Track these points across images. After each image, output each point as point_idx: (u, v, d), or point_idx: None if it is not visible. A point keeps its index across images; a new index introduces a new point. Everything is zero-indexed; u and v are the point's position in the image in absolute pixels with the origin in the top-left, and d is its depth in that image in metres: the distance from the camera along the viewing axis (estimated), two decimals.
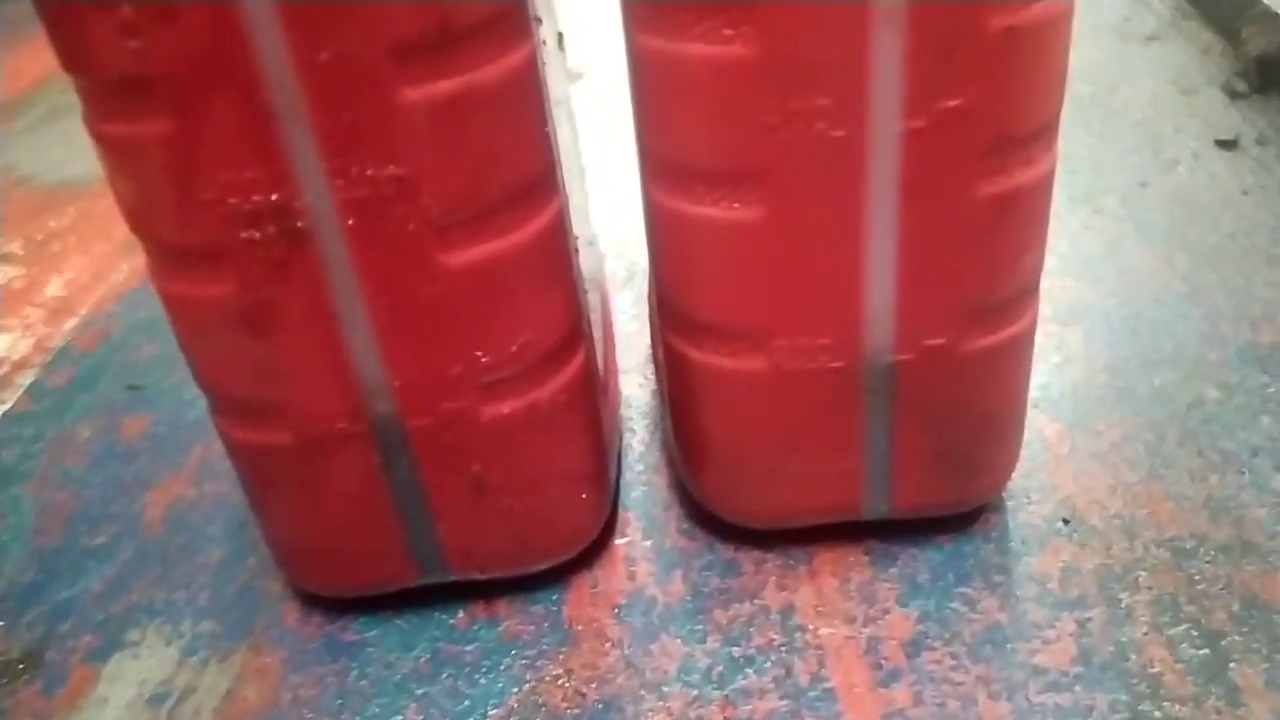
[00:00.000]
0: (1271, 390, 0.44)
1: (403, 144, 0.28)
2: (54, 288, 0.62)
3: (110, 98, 0.28)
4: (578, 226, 0.38)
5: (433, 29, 0.26)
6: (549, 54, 0.33)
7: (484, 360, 0.32)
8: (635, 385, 0.48)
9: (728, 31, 0.28)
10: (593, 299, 0.42)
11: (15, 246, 0.67)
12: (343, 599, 0.38)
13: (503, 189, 0.30)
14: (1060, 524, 0.39)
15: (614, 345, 0.45)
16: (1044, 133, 0.31)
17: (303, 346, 0.31)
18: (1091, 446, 0.42)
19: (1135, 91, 0.69)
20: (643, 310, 0.53)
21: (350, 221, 0.29)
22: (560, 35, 0.42)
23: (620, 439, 0.44)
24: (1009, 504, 0.40)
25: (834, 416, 0.35)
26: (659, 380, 0.43)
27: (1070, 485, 0.40)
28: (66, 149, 0.80)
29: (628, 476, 0.43)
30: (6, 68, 0.99)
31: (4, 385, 0.54)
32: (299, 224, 0.29)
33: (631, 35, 0.30)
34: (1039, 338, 0.36)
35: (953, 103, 0.29)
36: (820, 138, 0.29)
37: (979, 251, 0.32)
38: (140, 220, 0.30)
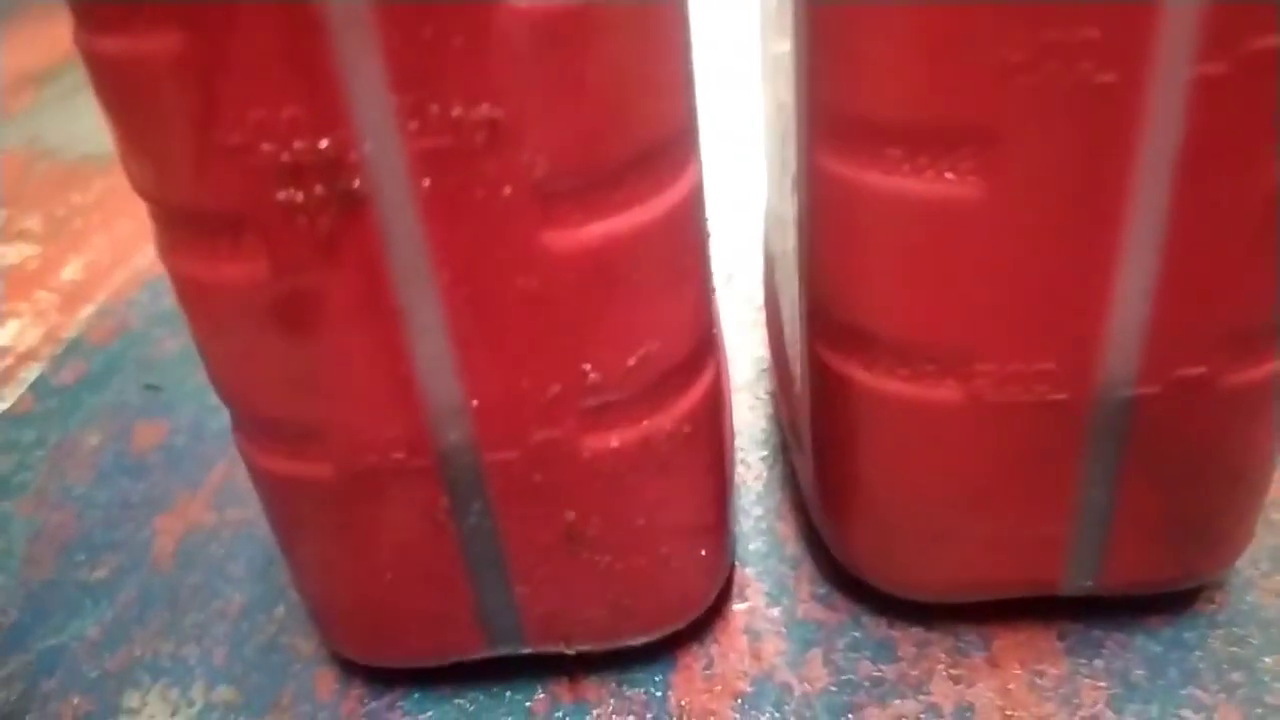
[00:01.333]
0: None
1: (503, 75, 0.20)
2: (71, 270, 0.55)
3: (105, 2, 0.20)
4: None
5: None
6: None
7: (592, 377, 0.24)
8: (746, 408, 0.40)
9: None
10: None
11: (34, 223, 0.61)
12: (391, 669, 0.30)
13: (631, 146, 0.22)
14: None
15: (725, 360, 0.37)
16: None
17: (352, 352, 0.23)
18: None
19: None
20: (747, 316, 0.44)
21: (425, 182, 0.21)
22: None
23: (734, 477, 0.36)
24: (1234, 580, 0.31)
25: (1042, 465, 0.26)
26: (784, 403, 0.35)
27: None
28: (88, 124, 0.74)
29: (743, 524, 0.35)
30: (43, 36, 0.93)
31: (6, 380, 0.46)
32: (354, 184, 0.21)
33: None
34: None
35: (1265, 42, 0.20)
36: (1079, 84, 0.21)
37: (1265, 252, 0.23)
38: (144, 174, 0.22)
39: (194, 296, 0.24)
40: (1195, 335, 0.24)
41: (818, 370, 0.28)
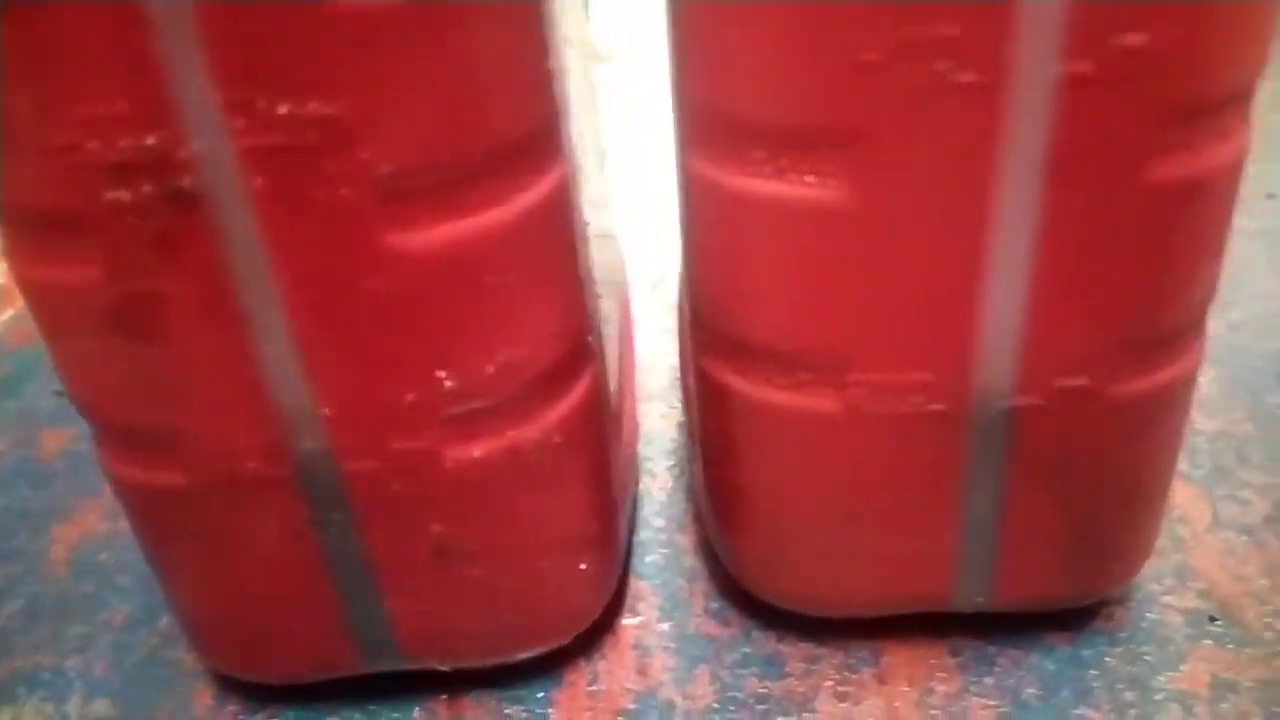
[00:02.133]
0: None
1: (335, 68, 0.19)
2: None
3: None
4: (590, 215, 0.29)
5: None
6: None
7: (448, 384, 0.23)
8: (658, 416, 0.39)
9: None
10: (607, 306, 0.33)
11: None
12: (267, 685, 0.29)
13: (479, 145, 0.21)
14: (1207, 622, 0.30)
15: (633, 366, 0.36)
16: (1244, 95, 0.22)
17: (197, 357, 0.22)
18: (1239, 519, 0.33)
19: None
20: (669, 323, 0.44)
21: (257, 182, 0.20)
22: None
23: (636, 486, 0.35)
24: (1136, 595, 0.31)
25: (924, 478, 0.25)
26: (688, 411, 0.34)
27: (1214, 568, 0.31)
28: None
29: (643, 535, 0.34)
30: None
31: None
32: (185, 182, 0.20)
33: None
34: None
35: (1134, 39, 0.20)
36: (938, 85, 0.20)
37: (1146, 258, 0.22)
38: None
39: (37, 300, 0.23)
40: (1075, 345, 0.23)
41: (701, 379, 0.27)
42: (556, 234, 0.24)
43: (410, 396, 0.23)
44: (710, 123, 0.22)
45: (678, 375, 0.40)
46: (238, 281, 0.21)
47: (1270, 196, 0.49)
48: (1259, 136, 0.53)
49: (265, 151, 0.20)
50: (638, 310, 0.44)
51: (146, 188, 0.20)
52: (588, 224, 0.27)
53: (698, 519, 0.34)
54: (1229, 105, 0.21)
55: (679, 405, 0.39)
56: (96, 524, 0.37)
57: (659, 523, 0.34)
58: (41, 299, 0.23)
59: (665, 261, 0.47)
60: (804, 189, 0.22)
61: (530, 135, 0.22)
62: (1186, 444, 0.35)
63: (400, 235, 0.21)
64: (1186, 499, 0.34)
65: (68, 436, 0.41)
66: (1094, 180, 0.21)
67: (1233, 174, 0.23)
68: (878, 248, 0.22)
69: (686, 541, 0.33)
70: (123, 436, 0.24)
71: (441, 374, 0.23)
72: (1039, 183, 0.21)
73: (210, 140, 0.20)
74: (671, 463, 0.37)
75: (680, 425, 0.38)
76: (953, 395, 0.24)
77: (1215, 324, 0.40)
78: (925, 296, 0.23)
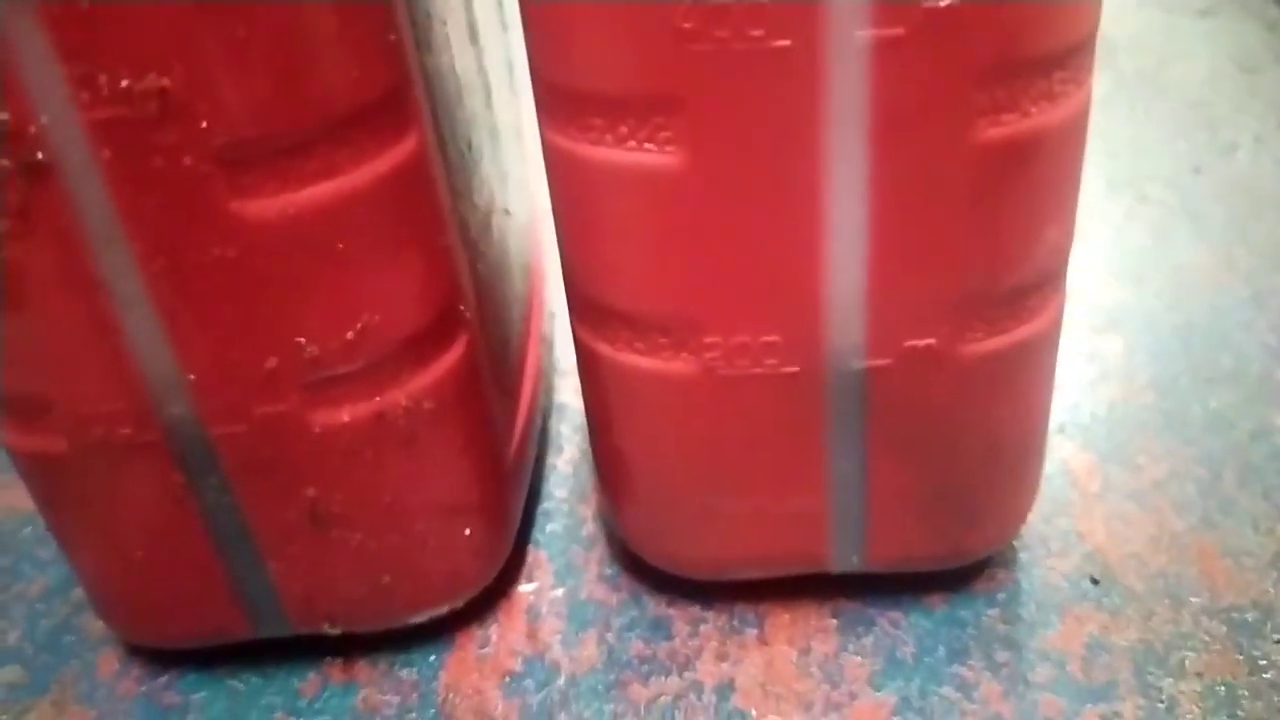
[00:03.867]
0: None
1: (167, 41, 0.20)
2: None
3: None
4: (488, 192, 0.30)
5: None
6: None
7: (309, 350, 0.24)
8: (573, 391, 0.40)
9: None
10: (516, 285, 0.34)
11: None
12: (170, 650, 0.30)
13: (322, 112, 0.22)
14: (1088, 584, 0.30)
15: (540, 342, 0.37)
16: (1071, 58, 0.23)
17: (62, 324, 0.23)
18: (1129, 484, 0.33)
19: (1188, 69, 0.59)
20: None
21: (105, 153, 0.21)
22: None
23: (542, 457, 0.36)
24: (1022, 556, 0.31)
25: (787, 439, 0.26)
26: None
27: (1101, 534, 0.32)
28: None
29: (546, 504, 0.34)
30: None
31: None
32: (38, 155, 0.21)
33: None
34: (1068, 346, 0.27)
35: (941, 1, 0.20)
36: (755, 50, 0.21)
37: (982, 218, 0.23)
38: None
39: None
40: (919, 305, 0.24)
41: (579, 348, 0.28)
42: (413, 204, 0.24)
43: (272, 362, 0.24)
44: (554, 94, 0.23)
45: None
46: (94, 251, 0.22)
47: (1196, 171, 0.49)
48: (1188, 111, 0.53)
49: (110, 123, 0.20)
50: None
51: (3, 161, 0.21)
52: (467, 197, 0.27)
53: (597, 489, 0.34)
54: (1054, 68, 0.22)
55: None
56: (19, 500, 0.38)
57: (561, 493, 0.35)
58: None
59: None
60: (642, 155, 0.22)
61: (372, 106, 0.22)
62: (1085, 410, 0.36)
63: (243, 203, 0.22)
64: (1080, 465, 0.34)
65: None
66: (919, 141, 0.22)
67: (1068, 136, 0.23)
68: (716, 212, 0.23)
69: (587, 511, 0.34)
70: (5, 403, 0.25)
71: (301, 340, 0.23)
72: (864, 144, 0.22)
73: (59, 114, 0.20)
74: (581, 436, 0.37)
75: None
76: (805, 357, 0.25)
77: (1127, 293, 0.41)
78: (768, 259, 0.23)
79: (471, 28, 0.31)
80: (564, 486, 0.35)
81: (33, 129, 0.21)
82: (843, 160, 0.22)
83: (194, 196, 0.21)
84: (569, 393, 0.39)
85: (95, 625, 0.32)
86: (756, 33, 0.20)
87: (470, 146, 0.29)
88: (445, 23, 0.27)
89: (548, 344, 0.39)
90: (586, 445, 0.37)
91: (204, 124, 0.21)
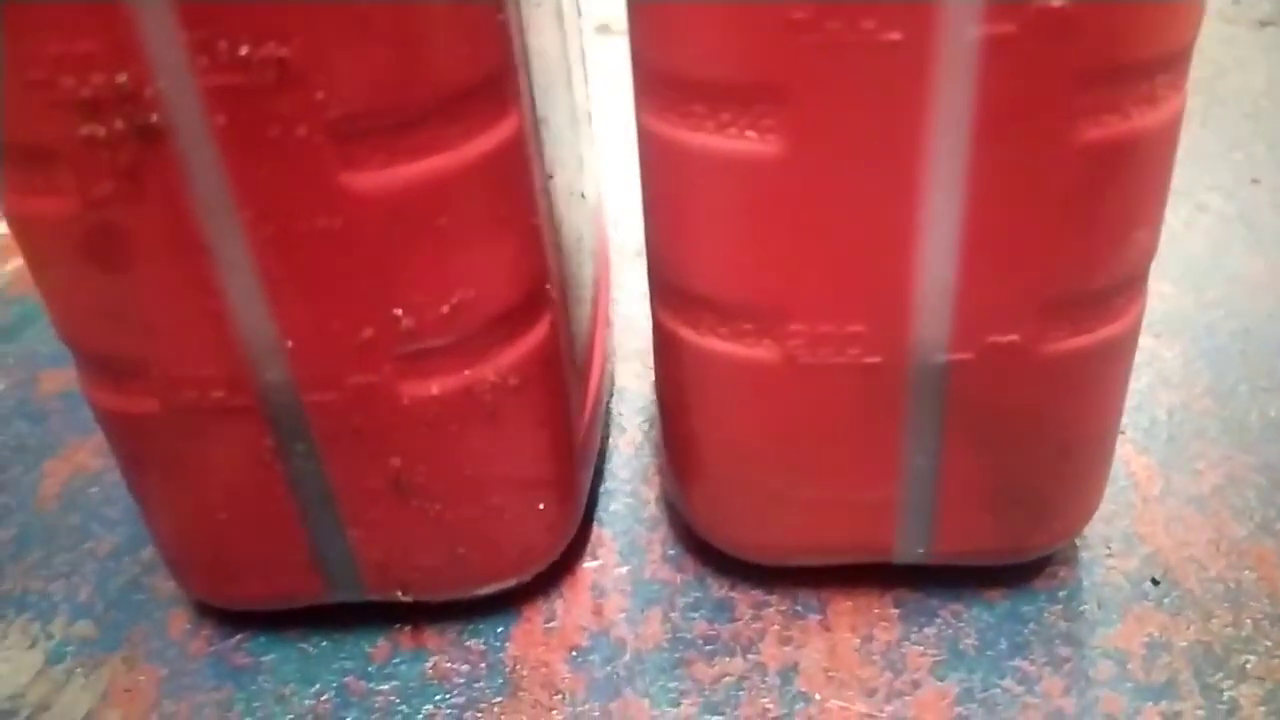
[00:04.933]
0: None
1: (288, 11, 0.20)
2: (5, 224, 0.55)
3: None
4: (561, 173, 0.30)
5: None
6: None
7: (404, 322, 0.24)
8: (633, 375, 0.40)
9: None
10: (585, 268, 0.34)
11: None
12: (241, 611, 0.31)
13: (434, 88, 0.22)
14: (1149, 585, 0.31)
15: (606, 325, 0.37)
16: (1174, 62, 0.23)
17: (164, 286, 0.23)
18: (1189, 489, 0.34)
19: (1247, 79, 0.59)
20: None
21: (220, 119, 0.21)
22: None
23: (605, 438, 0.36)
24: (1083, 555, 0.32)
25: (864, 430, 0.26)
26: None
27: (1161, 536, 0.32)
28: None
29: (609, 484, 0.35)
30: None
31: None
32: (153, 118, 0.21)
33: None
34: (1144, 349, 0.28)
35: (1054, 1, 0.20)
36: (865, 43, 0.21)
37: (1075, 218, 0.23)
38: None
39: (20, 232, 0.24)
40: (1006, 301, 0.24)
41: (657, 331, 0.28)
42: (511, 182, 0.25)
43: (368, 332, 0.24)
44: (656, 79, 0.23)
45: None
46: (202, 215, 0.22)
47: (1255, 181, 0.49)
48: (1246, 122, 0.53)
49: (227, 90, 0.21)
50: (622, 275, 0.45)
51: (117, 123, 0.21)
52: (552, 178, 0.28)
53: (661, 471, 0.35)
54: (1157, 71, 0.22)
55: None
56: (88, 460, 0.38)
57: (625, 474, 0.35)
58: (24, 231, 0.24)
59: None
60: (742, 143, 0.23)
61: (480, 84, 0.23)
62: (1146, 414, 0.36)
63: (353, 175, 0.22)
64: (1141, 467, 0.34)
65: (65, 379, 0.43)
66: (1020, 139, 0.22)
67: (1163, 140, 0.23)
68: (812, 201, 0.23)
69: (649, 493, 0.35)
70: (99, 363, 0.26)
71: (398, 312, 0.24)
72: (966, 141, 0.22)
73: (176, 79, 0.21)
74: (642, 419, 0.38)
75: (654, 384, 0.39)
76: (888, 348, 0.25)
77: (1186, 300, 0.41)
78: (859, 250, 0.24)
79: (558, 11, 0.31)
80: (627, 468, 0.36)
81: (149, 92, 0.21)
82: (943, 156, 0.22)
83: (304, 166, 0.22)
84: (629, 376, 0.40)
85: (165, 585, 0.33)
86: (868, 25, 0.21)
87: (554, 128, 0.29)
88: (540, 5, 0.28)
89: (611, 327, 0.40)
90: (648, 428, 0.37)
91: (320, 95, 0.21)
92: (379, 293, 0.24)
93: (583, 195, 0.34)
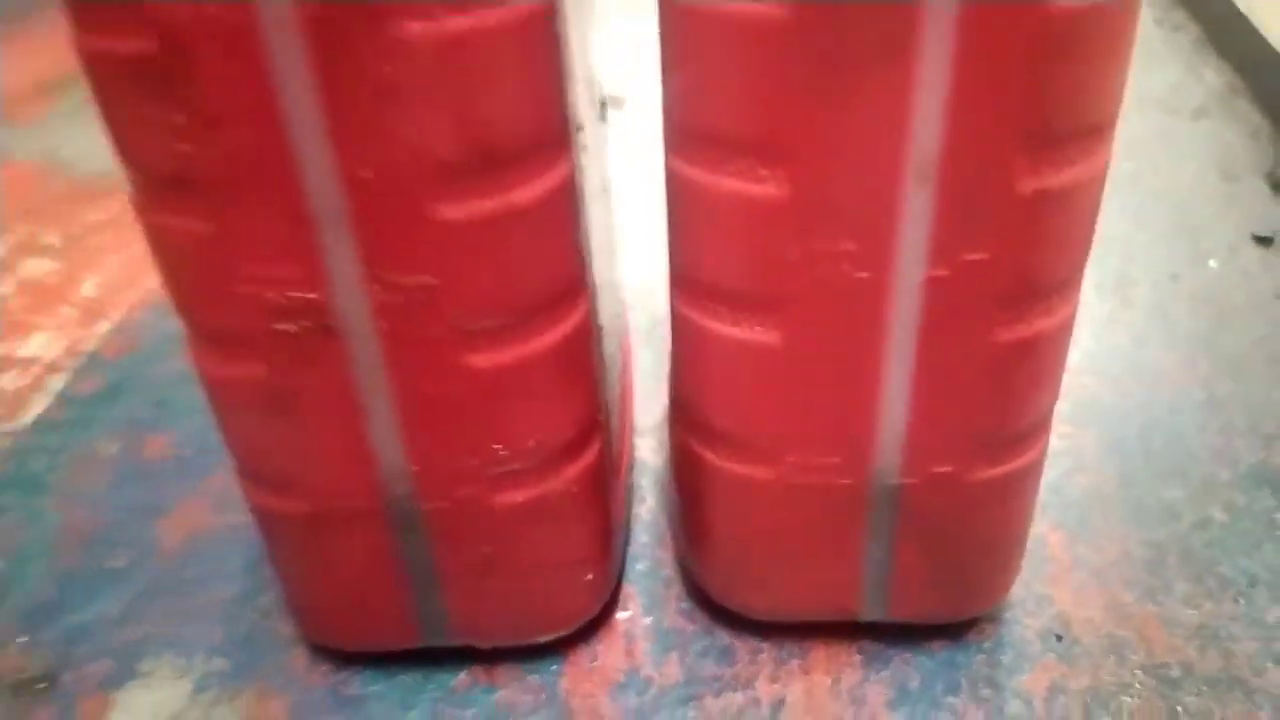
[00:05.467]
0: (1279, 516, 0.44)
1: (437, 257, 0.29)
2: (88, 287, 0.63)
3: (158, 190, 0.29)
4: (606, 307, 0.39)
5: (475, 156, 0.27)
6: (591, 147, 0.34)
7: (501, 453, 0.33)
8: (649, 450, 0.49)
9: (762, 171, 0.28)
10: (610, 351, 0.43)
11: (54, 238, 0.69)
12: (349, 653, 0.39)
13: (530, 300, 0.31)
14: (1054, 640, 0.40)
15: (632, 404, 0.46)
16: (1066, 285, 0.31)
17: (324, 430, 0.32)
18: (1093, 560, 0.43)
19: (1177, 173, 0.68)
20: (662, 369, 0.53)
21: (382, 324, 0.30)
22: (604, 104, 0.42)
23: (630, 509, 0.45)
24: (1005, 614, 0.41)
25: (836, 529, 0.35)
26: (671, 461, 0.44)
27: (1067, 599, 0.41)
28: (103, 139, 0.81)
29: (633, 548, 0.44)
30: (50, 43, 1.00)
31: (36, 388, 0.55)
32: (329, 322, 0.30)
33: (669, 159, 0.31)
34: (1052, 439, 0.36)
35: (976, 256, 0.29)
36: (843, 277, 0.29)
37: (992, 391, 0.32)
38: (179, 300, 0.31)
39: (211, 385, 0.32)
40: (943, 443, 0.33)
41: (683, 449, 0.37)
42: (580, 351, 0.33)
43: (475, 461, 0.33)
44: (690, 281, 0.32)
45: (666, 414, 0.50)
46: (359, 384, 0.31)
47: (1174, 278, 0.58)
48: (1171, 217, 0.61)
49: (388, 306, 0.29)
50: (636, 356, 0.54)
51: (303, 323, 0.30)
52: (602, 329, 0.36)
53: (675, 540, 0.44)
54: (1053, 293, 0.31)
55: (666, 441, 0.49)
56: (198, 519, 0.47)
57: (645, 539, 0.44)
58: (215, 384, 0.32)
59: (658, 312, 0.56)
60: (754, 334, 0.31)
61: (564, 289, 0.31)
62: (1062, 495, 0.45)
63: (474, 357, 0.31)
64: (1055, 541, 0.43)
65: (167, 442, 0.51)
66: (953, 340, 0.31)
67: (1059, 339, 0.32)
68: (804, 375, 0.32)
69: (665, 555, 0.43)
70: (263, 476, 0.34)
71: (498, 447, 0.32)
72: (912, 341, 0.31)
73: (351, 297, 0.29)
74: (659, 490, 0.46)
75: (667, 459, 0.48)
76: (855, 473, 0.34)
77: (1104, 391, 0.50)
78: (837, 408, 0.32)
79: (605, 187, 0.40)
80: (647, 533, 0.44)
81: (329, 304, 0.29)
82: (897, 349, 0.31)
83: (440, 353, 0.30)
84: (645, 450, 0.48)
85: (283, 628, 0.41)
86: (845, 267, 0.29)
87: (603, 286, 0.37)
88: (594, 197, 0.36)
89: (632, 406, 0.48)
90: (662, 497, 0.46)
91: (454, 308, 0.29)
92: (486, 434, 0.32)
93: (616, 285, 0.42)
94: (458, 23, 0.25)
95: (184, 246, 0.29)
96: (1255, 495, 0.45)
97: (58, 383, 0.55)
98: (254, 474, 0.34)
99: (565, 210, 0.30)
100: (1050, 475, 0.46)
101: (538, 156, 0.29)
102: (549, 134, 0.29)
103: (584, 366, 0.34)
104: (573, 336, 0.32)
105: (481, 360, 0.31)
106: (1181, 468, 0.46)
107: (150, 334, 0.58)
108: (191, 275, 0.30)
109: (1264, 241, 0.61)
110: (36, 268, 0.65)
